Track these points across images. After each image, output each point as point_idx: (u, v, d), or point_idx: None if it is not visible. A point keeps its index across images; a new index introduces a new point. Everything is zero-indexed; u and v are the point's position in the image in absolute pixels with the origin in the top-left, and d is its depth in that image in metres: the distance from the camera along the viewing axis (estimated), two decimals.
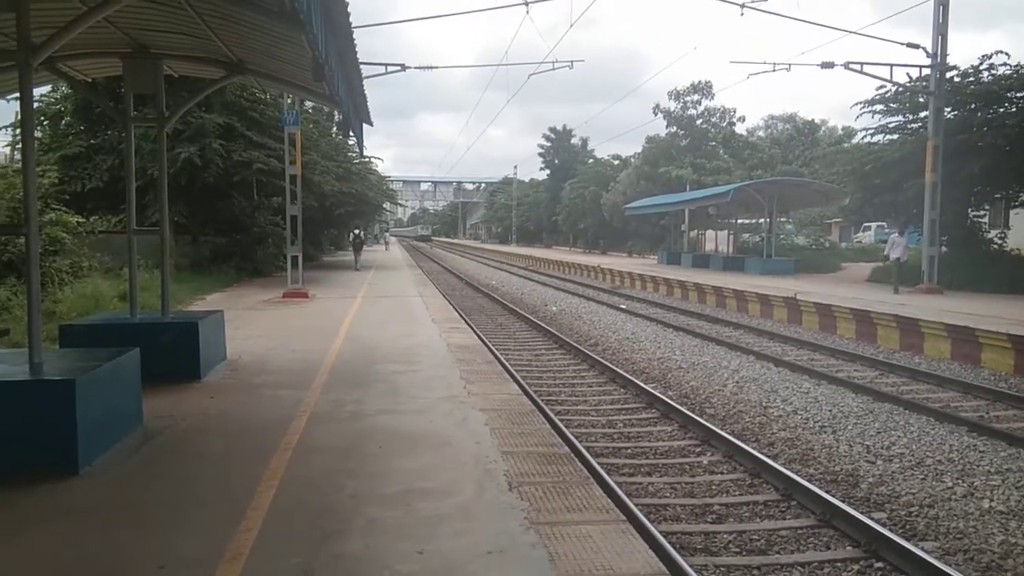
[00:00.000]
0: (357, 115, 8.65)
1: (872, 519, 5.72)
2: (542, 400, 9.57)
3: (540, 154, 75.35)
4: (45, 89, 21.13)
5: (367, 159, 37.63)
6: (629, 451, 7.89)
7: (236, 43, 8.13)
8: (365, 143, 11.02)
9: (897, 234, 20.30)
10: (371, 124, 9.86)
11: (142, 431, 6.14)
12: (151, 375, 6.76)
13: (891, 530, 5.58)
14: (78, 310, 12.67)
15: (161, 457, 5.67)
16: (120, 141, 18.35)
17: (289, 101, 19.53)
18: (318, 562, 3.79)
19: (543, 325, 16.90)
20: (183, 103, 10.07)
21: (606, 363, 12.17)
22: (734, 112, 51.69)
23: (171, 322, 8.80)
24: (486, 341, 13.51)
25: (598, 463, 7.03)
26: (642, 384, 10.56)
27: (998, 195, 22.56)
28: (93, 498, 4.73)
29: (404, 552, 3.90)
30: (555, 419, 8.45)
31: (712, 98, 50.57)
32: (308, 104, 23.54)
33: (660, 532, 5.44)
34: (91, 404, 5.24)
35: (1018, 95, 19.87)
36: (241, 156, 22.14)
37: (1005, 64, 20.11)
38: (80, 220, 15.98)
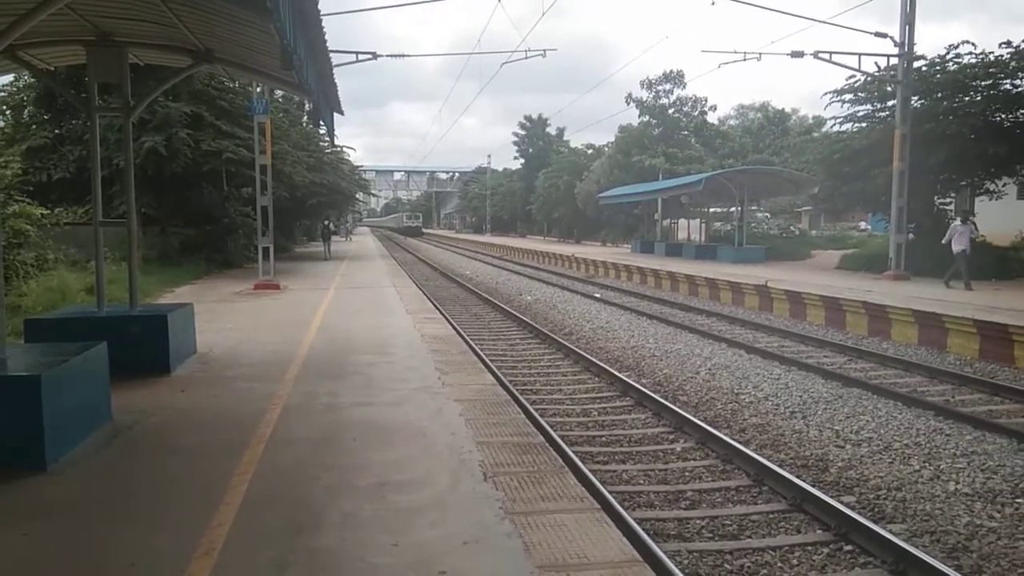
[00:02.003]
0: (328, 104, 8.55)
1: (841, 503, 5.82)
2: (517, 390, 9.59)
3: (515, 143, 75.23)
4: (7, 79, 20.66)
5: (339, 148, 37.33)
6: (603, 439, 7.94)
7: (203, 31, 7.99)
8: (337, 132, 10.90)
9: (959, 222, 17.67)
10: (342, 113, 9.76)
11: (111, 426, 6.05)
12: (120, 369, 6.67)
13: (860, 513, 5.68)
14: (44, 304, 12.42)
15: (131, 452, 5.60)
16: (85, 131, 17.99)
17: (259, 90, 19.25)
18: (292, 556, 3.77)
19: (518, 315, 16.92)
20: (149, 92, 9.90)
21: (580, 352, 12.22)
22: (706, 101, 52.04)
23: (139, 315, 8.66)
24: (461, 331, 13.48)
25: (573, 452, 7.07)
26: (616, 372, 10.62)
27: (964, 183, 22.94)
28: (61, 495, 4.65)
29: (379, 544, 3.90)
30: (530, 408, 8.47)
31: (684, 87, 50.82)
32: (278, 93, 23.26)
33: (634, 519, 5.49)
34: (58, 400, 5.15)
35: (983, 84, 20.19)
36: (210, 146, 21.81)
37: (971, 54, 20.44)
38: (45, 212, 15.62)
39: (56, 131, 22.23)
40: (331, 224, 42.62)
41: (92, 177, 8.74)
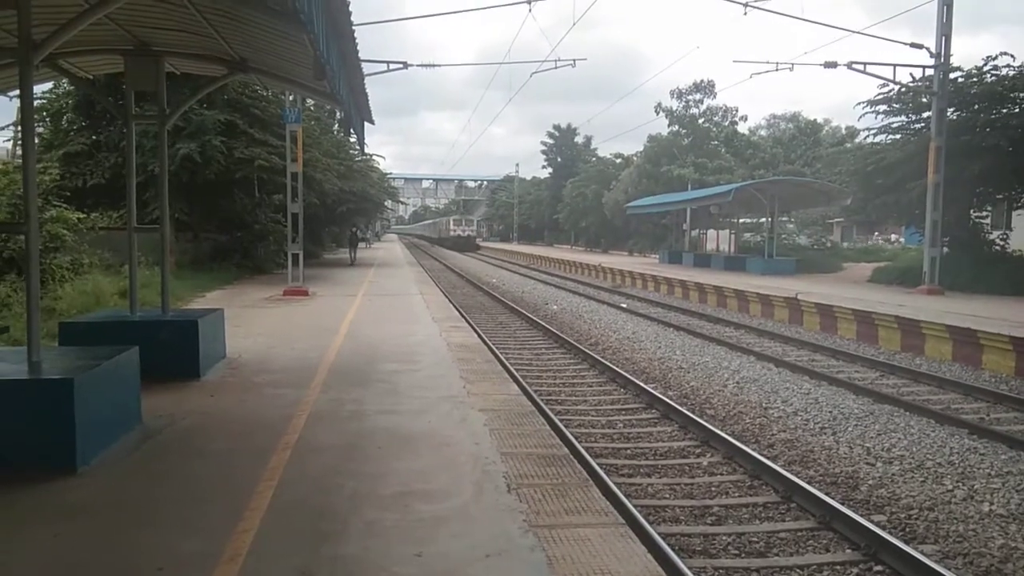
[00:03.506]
0: (359, 113, 8.63)
1: (872, 522, 5.71)
2: (542, 400, 9.56)
3: (543, 151, 75.36)
4: (47, 86, 21.14)
5: (369, 157, 37.64)
6: (629, 452, 7.88)
7: (238, 41, 8.11)
8: (367, 140, 11.03)
9: None
10: (372, 122, 9.84)
11: (141, 429, 6.13)
12: (151, 373, 6.76)
13: (891, 533, 5.57)
14: (78, 307, 12.66)
15: (160, 456, 5.66)
16: (121, 138, 18.34)
17: (291, 98, 19.51)
18: (316, 563, 3.78)
19: (543, 324, 16.89)
20: (184, 100, 10.06)
21: (606, 363, 12.16)
22: (736, 111, 51.71)
23: (171, 320, 8.78)
24: (486, 340, 13.50)
25: (597, 464, 7.03)
26: (642, 384, 10.55)
27: (1000, 196, 22.51)
28: (91, 497, 4.72)
29: (402, 554, 3.89)
30: (555, 419, 8.44)
31: (714, 97, 50.58)
32: (310, 101, 23.51)
33: (659, 534, 5.44)
34: (90, 403, 5.23)
35: (1022, 96, 19.81)
36: (243, 153, 22.13)
37: (1009, 65, 20.09)
38: (81, 217, 15.96)
39: (93, 137, 22.68)
40: (358, 231, 42.94)
41: (127, 183, 8.90)
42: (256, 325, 12.82)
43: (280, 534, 4.14)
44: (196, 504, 4.65)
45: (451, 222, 76.80)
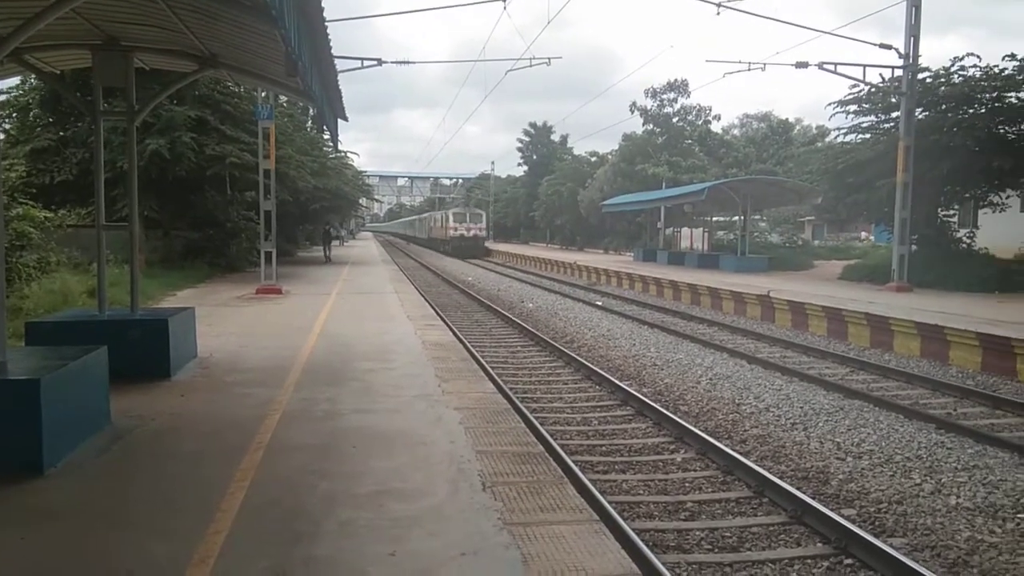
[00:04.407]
0: (332, 110, 8.56)
1: (842, 516, 5.79)
2: (517, 398, 9.57)
3: (519, 149, 75.31)
4: (13, 82, 20.73)
5: (343, 154, 37.39)
6: (604, 449, 7.91)
7: (208, 37, 8.01)
8: (340, 137, 10.93)
9: None
10: (346, 119, 9.75)
11: (110, 431, 6.03)
12: (120, 373, 6.67)
13: (860, 527, 5.65)
14: (45, 306, 12.43)
15: (129, 457, 5.58)
16: (89, 134, 18.01)
17: (263, 95, 19.30)
18: (288, 565, 3.75)
19: (519, 322, 16.90)
20: (154, 96, 9.91)
21: (582, 360, 12.20)
22: (710, 111, 52.05)
23: (141, 319, 8.65)
24: (462, 338, 13.48)
25: (572, 461, 7.04)
26: (617, 381, 10.60)
27: (967, 195, 22.91)
28: (58, 499, 4.64)
29: (376, 554, 3.88)
30: (530, 417, 8.45)
31: (688, 96, 50.86)
32: (283, 98, 23.30)
33: (633, 530, 5.47)
34: (57, 404, 5.14)
35: (988, 97, 20.18)
36: (214, 150, 21.88)
37: (975, 66, 20.44)
38: (48, 214, 15.65)
39: (61, 133, 22.31)
40: (332, 229, 42.63)
41: (95, 180, 8.77)
42: (228, 324, 12.68)
43: (252, 535, 4.10)
44: (166, 506, 4.59)
45: (451, 217, 54.07)
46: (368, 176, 60.64)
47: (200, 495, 4.70)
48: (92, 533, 4.17)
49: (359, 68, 20.93)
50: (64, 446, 5.30)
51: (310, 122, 32.46)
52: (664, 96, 50.55)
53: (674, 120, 50.71)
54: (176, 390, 7.65)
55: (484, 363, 11.46)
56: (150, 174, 20.22)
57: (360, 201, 47.12)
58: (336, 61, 8.22)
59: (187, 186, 22.54)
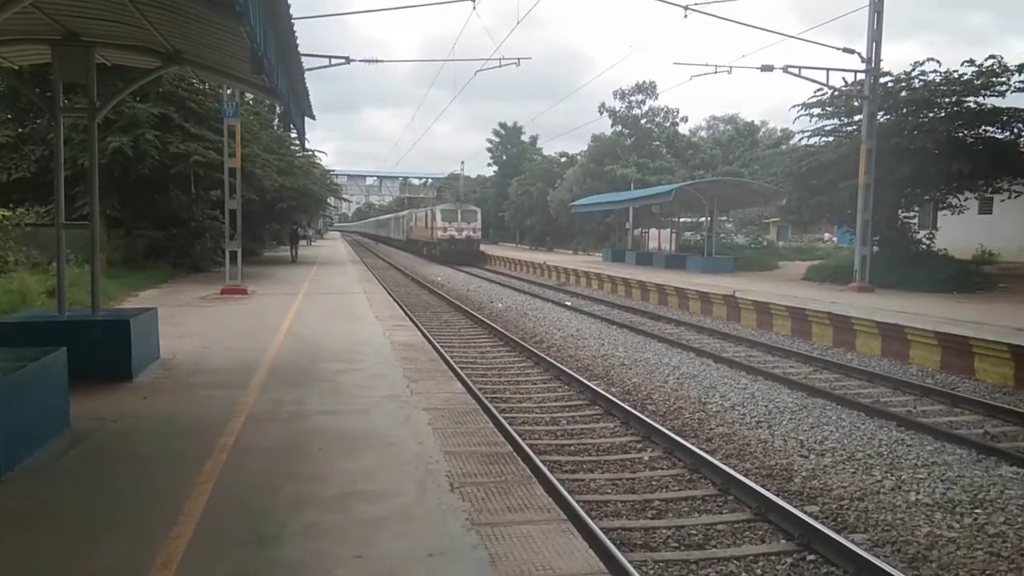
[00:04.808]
0: (299, 108, 8.48)
1: (805, 512, 5.88)
2: (486, 398, 9.57)
3: (488, 150, 75.25)
4: None
5: (310, 152, 37.02)
6: (572, 448, 7.95)
7: (172, 32, 7.88)
8: (308, 136, 10.82)
9: None
10: (313, 118, 9.66)
11: (69, 434, 5.91)
12: (80, 375, 6.53)
13: (823, 523, 5.75)
14: (3, 307, 12.15)
15: (89, 461, 5.47)
16: (49, 130, 17.62)
17: (229, 92, 19.03)
18: (253, 568, 3.71)
19: (488, 322, 16.89)
20: (116, 93, 9.73)
21: (551, 360, 12.23)
22: (677, 112, 52.68)
23: (102, 320, 8.48)
24: (431, 339, 13.44)
25: (541, 461, 7.07)
26: (586, 381, 10.65)
27: (927, 197, 23.42)
28: (14, 505, 4.53)
29: (342, 556, 3.85)
30: (499, 417, 8.46)
31: (656, 98, 51.35)
32: (249, 95, 23.01)
33: (601, 529, 5.50)
34: (13, 407, 5.02)
35: (947, 101, 20.64)
36: (178, 148, 21.49)
37: (935, 71, 20.89)
38: (5, 213, 15.32)
39: (19, 130, 21.75)
40: (299, 228, 42.20)
41: (55, 177, 8.59)
42: (192, 325, 12.49)
43: (215, 539, 4.04)
44: (127, 510, 4.51)
45: (439, 215, 45.63)
46: (336, 175, 60.15)
47: (163, 498, 4.62)
48: (50, 538, 4.08)
49: (327, 66, 20.75)
50: (21, 450, 5.18)
51: (277, 120, 32.04)
52: (632, 98, 51.01)
53: (642, 122, 51.13)
54: (138, 392, 7.51)
55: (453, 363, 11.43)
56: (112, 172, 19.81)
57: (328, 200, 46.67)
58: (304, 59, 8.16)
59: (150, 184, 22.12)
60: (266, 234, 40.75)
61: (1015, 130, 20.71)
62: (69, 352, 6.12)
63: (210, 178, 22.54)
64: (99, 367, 7.57)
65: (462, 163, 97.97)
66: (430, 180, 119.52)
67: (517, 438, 7.70)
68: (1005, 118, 20.43)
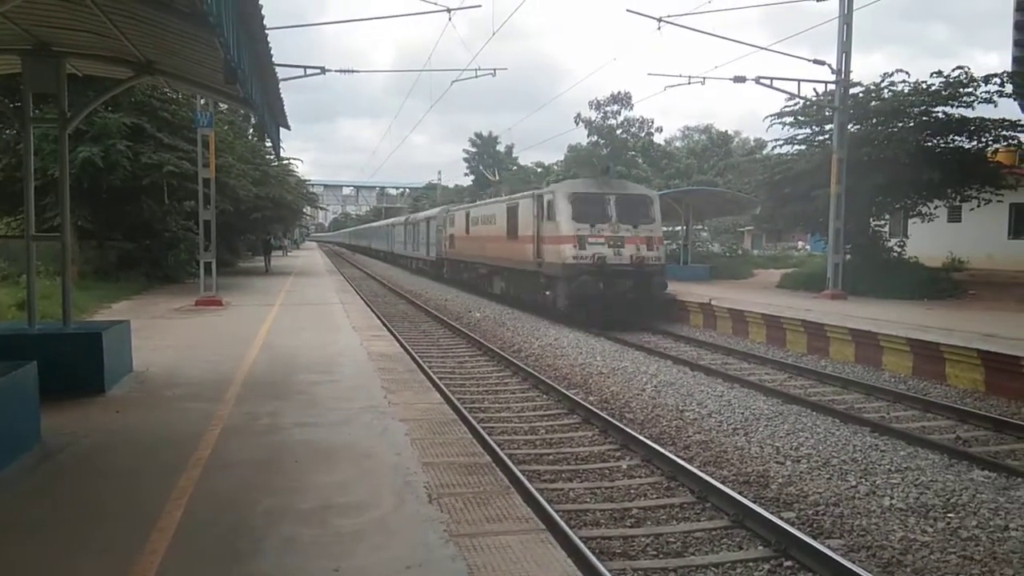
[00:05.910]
0: (273, 118, 8.43)
1: (781, 519, 5.93)
2: (465, 408, 9.54)
3: (465, 160, 75.51)
4: None
5: (286, 161, 36.81)
6: (551, 457, 7.95)
7: (145, 43, 7.81)
8: (283, 145, 10.73)
9: None
10: (288, 128, 9.62)
11: (40, 449, 5.81)
12: (51, 389, 6.43)
13: (799, 529, 5.79)
14: None
15: (60, 476, 5.37)
16: (18, 141, 17.35)
17: (203, 102, 18.87)
18: None
19: (466, 332, 16.86)
20: (87, 103, 9.61)
21: (529, 369, 12.24)
22: (652, 123, 53.10)
23: (73, 332, 8.36)
24: (408, 349, 13.38)
25: (520, 471, 7.05)
26: (564, 390, 10.67)
27: (898, 205, 23.76)
28: None
29: (320, 570, 3.81)
30: (478, 427, 8.44)
31: (631, 108, 51.79)
32: (223, 105, 22.84)
33: (580, 537, 5.50)
34: None
35: (916, 111, 21.01)
36: (150, 158, 21.21)
37: (904, 82, 21.27)
38: None
39: None
40: (272, 239, 41.93)
41: (25, 188, 8.44)
42: (166, 337, 12.34)
43: (190, 554, 3.99)
44: (99, 526, 4.43)
45: (562, 206, 18.95)
46: (312, 185, 59.86)
47: (135, 514, 4.55)
48: (20, 556, 4.00)
49: (302, 76, 20.58)
50: None
51: (252, 130, 31.86)
52: (608, 108, 51.40)
53: (618, 132, 51.52)
54: (111, 406, 7.40)
55: (431, 374, 11.39)
56: (83, 183, 19.53)
57: (304, 210, 46.39)
58: (278, 69, 8.13)
59: (122, 195, 21.83)
60: (241, 245, 40.39)
61: (983, 140, 21.12)
62: (40, 366, 6.02)
63: (184, 188, 22.28)
64: (71, 381, 7.45)
65: (439, 173, 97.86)
66: (407, 190, 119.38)
67: (496, 448, 7.69)
68: (973, 128, 20.82)
